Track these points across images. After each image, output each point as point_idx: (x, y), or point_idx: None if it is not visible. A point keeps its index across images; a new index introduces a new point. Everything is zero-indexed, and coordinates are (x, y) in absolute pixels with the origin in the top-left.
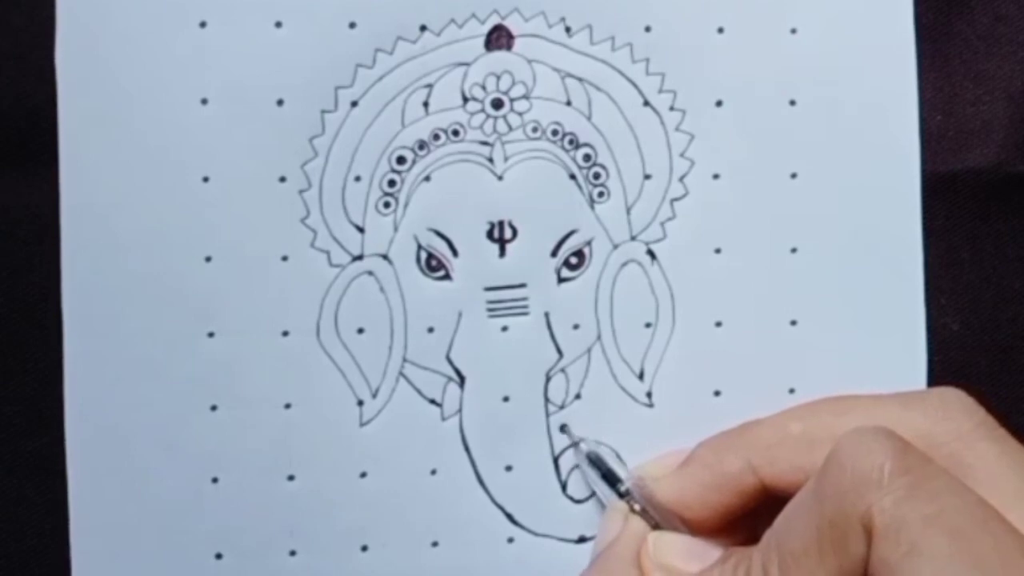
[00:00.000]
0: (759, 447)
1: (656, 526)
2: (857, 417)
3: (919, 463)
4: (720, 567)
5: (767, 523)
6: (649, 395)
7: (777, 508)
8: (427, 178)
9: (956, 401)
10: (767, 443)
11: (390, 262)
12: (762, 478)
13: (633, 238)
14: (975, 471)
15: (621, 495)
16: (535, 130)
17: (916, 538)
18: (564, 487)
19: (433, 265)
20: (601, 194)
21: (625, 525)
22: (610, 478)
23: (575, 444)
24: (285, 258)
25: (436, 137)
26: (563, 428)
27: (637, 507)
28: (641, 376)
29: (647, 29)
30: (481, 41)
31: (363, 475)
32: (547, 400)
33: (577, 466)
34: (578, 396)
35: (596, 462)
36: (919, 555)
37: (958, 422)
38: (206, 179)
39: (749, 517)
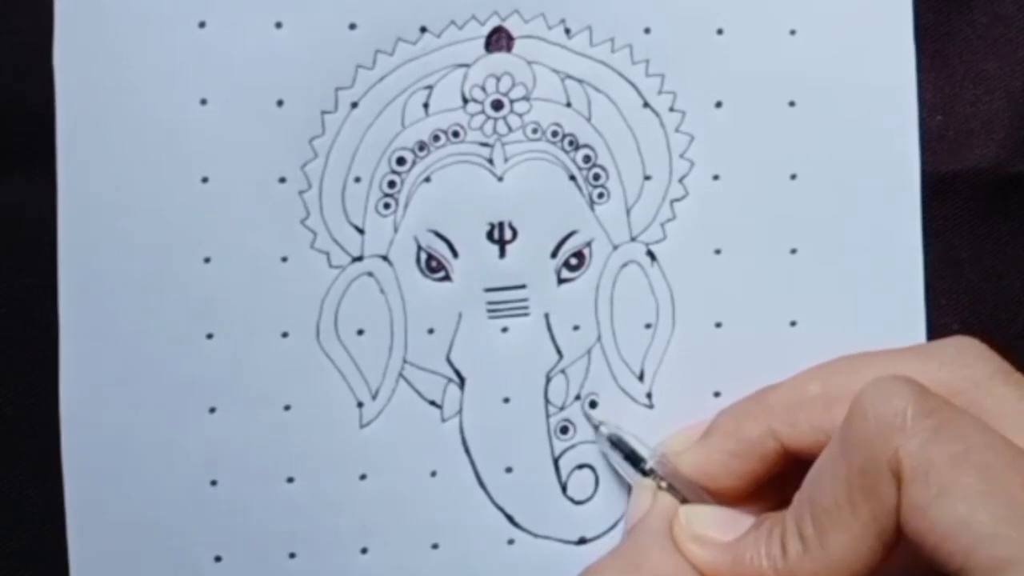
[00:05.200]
0: (778, 411)
1: (684, 500)
2: (874, 372)
3: (941, 405)
4: (754, 533)
5: (793, 487)
6: (649, 396)
7: (801, 471)
8: (427, 179)
9: (972, 349)
10: (786, 406)
11: (390, 263)
12: (783, 441)
13: (633, 239)
14: (994, 416)
15: (646, 473)
16: (535, 131)
17: (945, 479)
18: (564, 488)
19: (433, 266)
20: (601, 195)
21: (654, 501)
22: (633, 458)
23: (596, 427)
24: (285, 259)
25: (436, 138)
26: (591, 405)
27: (664, 484)
28: (641, 377)
29: (647, 31)
30: (481, 42)
31: (363, 477)
32: (547, 401)
33: (578, 467)
34: (578, 397)
35: (618, 443)
36: (949, 496)
37: (975, 369)
38: (205, 180)
39: (775, 483)
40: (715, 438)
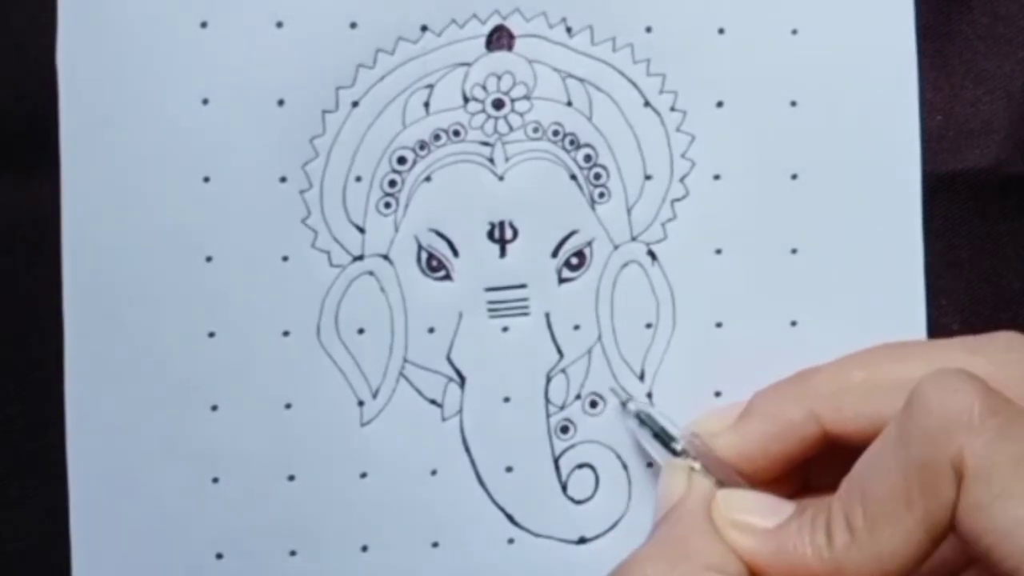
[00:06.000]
0: (821, 395)
1: (719, 483)
2: (921, 362)
3: (1005, 404)
4: (797, 521)
5: (820, 472)
6: (649, 396)
7: (832, 456)
8: (428, 178)
9: (1019, 345)
10: (829, 391)
11: (391, 262)
12: (825, 426)
13: (634, 239)
14: None
15: (675, 452)
16: (536, 130)
17: (1008, 480)
18: (564, 488)
19: (434, 265)
20: (602, 195)
21: (690, 483)
22: (662, 437)
23: (624, 403)
24: (286, 258)
25: (437, 137)
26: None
27: (697, 465)
28: (641, 377)
29: (648, 30)
30: (482, 41)
31: (363, 475)
32: (548, 401)
33: (578, 467)
34: (578, 397)
35: (647, 421)
36: (1012, 497)
37: (1022, 365)
38: (207, 179)
39: (800, 468)
40: (755, 420)
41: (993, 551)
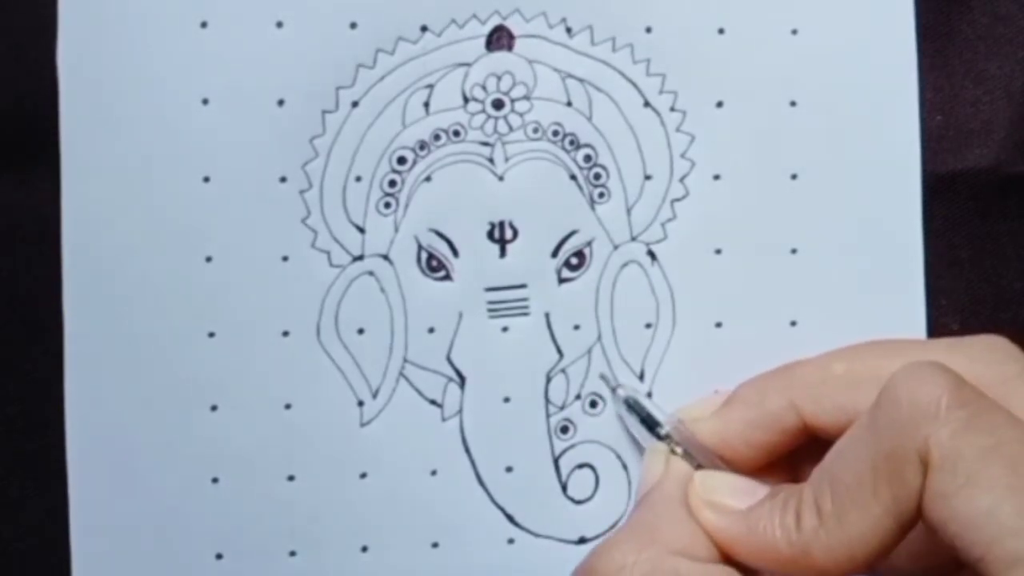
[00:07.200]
0: (802, 386)
1: (698, 467)
2: (903, 359)
3: (975, 397)
4: (769, 503)
5: (804, 464)
6: (649, 395)
7: (815, 449)
8: (428, 178)
9: (1001, 347)
10: (810, 382)
11: (391, 262)
12: (804, 417)
13: (634, 239)
14: (1019, 414)
15: (661, 438)
16: (536, 131)
17: (973, 470)
18: (564, 488)
19: (434, 265)
20: (602, 195)
21: (668, 466)
22: (649, 422)
23: (613, 389)
24: (286, 258)
25: (437, 137)
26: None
27: (679, 449)
28: (641, 377)
29: (648, 30)
30: (482, 42)
31: (363, 475)
32: (547, 401)
33: (578, 467)
34: (578, 397)
35: (634, 407)
36: (976, 486)
37: (1003, 366)
38: (207, 179)
39: (786, 459)
40: (737, 407)
41: (959, 539)
